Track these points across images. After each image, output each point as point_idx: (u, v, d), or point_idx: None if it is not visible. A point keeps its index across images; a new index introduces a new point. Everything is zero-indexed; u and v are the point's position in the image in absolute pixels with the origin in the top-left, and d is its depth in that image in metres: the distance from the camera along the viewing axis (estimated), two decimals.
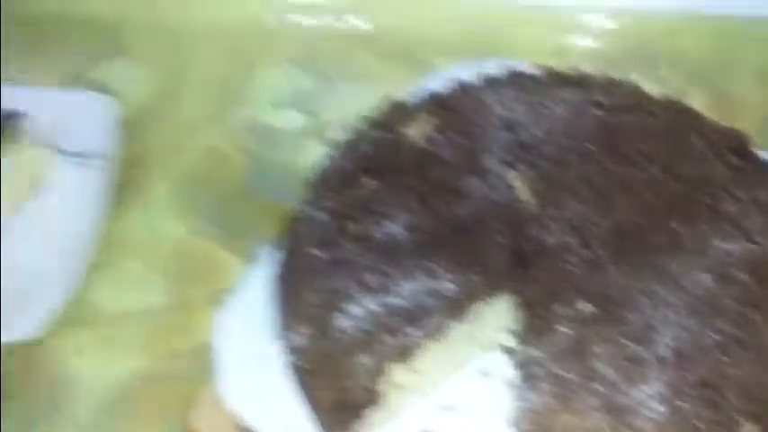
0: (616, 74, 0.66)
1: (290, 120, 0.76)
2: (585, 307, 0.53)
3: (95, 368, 0.63)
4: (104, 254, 0.68)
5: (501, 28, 0.79)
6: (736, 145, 0.61)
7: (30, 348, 0.63)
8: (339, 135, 0.66)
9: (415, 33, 0.79)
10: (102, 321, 0.65)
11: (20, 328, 0.63)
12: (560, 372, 0.52)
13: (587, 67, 0.70)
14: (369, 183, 0.60)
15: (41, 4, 0.85)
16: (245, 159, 0.74)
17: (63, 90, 0.78)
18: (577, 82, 0.65)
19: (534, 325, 0.54)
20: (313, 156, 0.70)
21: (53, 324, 0.64)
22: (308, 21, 0.82)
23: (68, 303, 0.65)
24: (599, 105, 0.62)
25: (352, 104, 0.74)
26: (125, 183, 0.71)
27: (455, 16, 0.80)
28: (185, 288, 0.66)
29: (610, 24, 0.79)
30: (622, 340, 0.51)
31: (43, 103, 0.74)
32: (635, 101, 0.63)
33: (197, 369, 0.61)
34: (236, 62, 0.80)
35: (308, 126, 0.75)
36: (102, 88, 0.79)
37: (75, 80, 0.80)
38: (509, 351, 0.58)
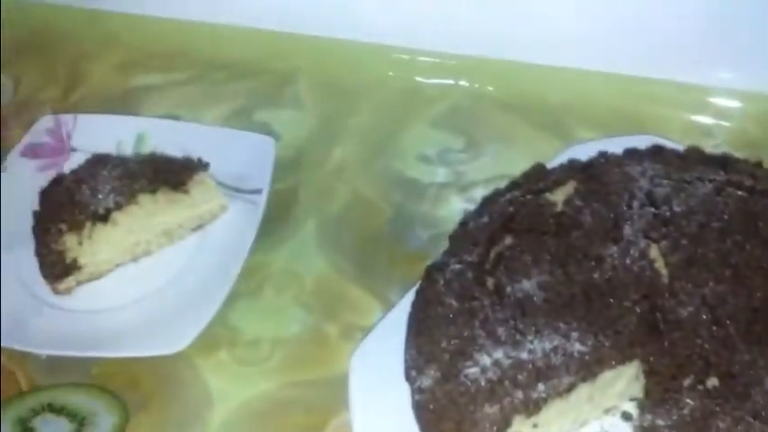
0: (761, 157, 0.67)
1: (435, 175, 0.78)
2: (712, 381, 0.53)
3: (229, 387, 0.66)
4: (250, 282, 0.71)
5: (645, 104, 0.80)
6: None
7: (169, 363, 0.67)
8: (483, 193, 0.70)
9: (563, 104, 0.81)
10: (240, 345, 0.69)
11: (161, 346, 0.67)
12: None
13: (730, 149, 0.72)
14: (509, 241, 0.63)
15: (227, 51, 0.93)
16: (388, 207, 0.76)
17: (227, 129, 0.83)
18: (721, 162, 0.66)
19: (659, 393, 0.54)
20: (454, 211, 0.74)
21: (194, 343, 0.67)
22: (461, 84, 0.86)
23: (211, 325, 0.68)
24: (742, 187, 0.63)
25: (497, 166, 0.77)
26: (276, 216, 0.75)
27: (600, 90, 0.81)
28: (322, 321, 0.69)
29: (754, 108, 0.79)
30: (746, 417, 0.52)
31: (208, 140, 0.80)
32: None
33: (326, 399, 0.64)
34: (389, 117, 0.84)
35: (451, 182, 0.77)
36: (265, 128, 0.84)
37: (241, 118, 0.85)
38: (628, 417, 0.59)
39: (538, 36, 0.81)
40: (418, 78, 0.87)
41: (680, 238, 0.60)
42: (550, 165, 0.69)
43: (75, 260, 0.73)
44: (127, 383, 0.66)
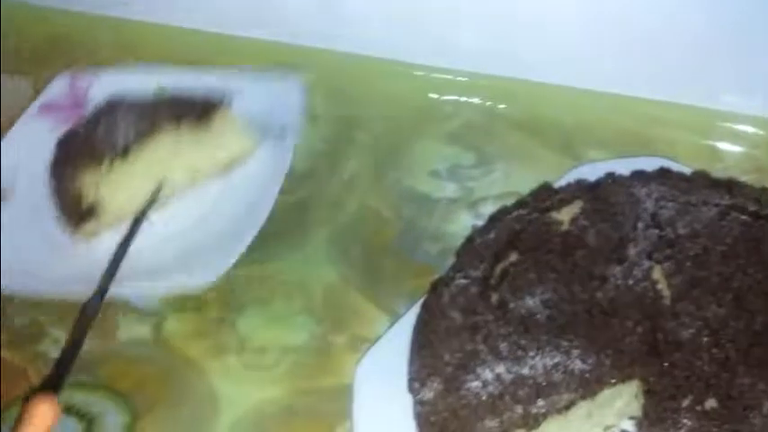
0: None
1: (444, 190, 0.79)
2: (710, 403, 0.54)
3: (237, 393, 0.67)
4: (260, 290, 0.72)
5: (654, 127, 0.81)
6: None
7: (177, 367, 0.69)
8: (491, 209, 0.70)
9: (573, 124, 0.82)
10: (248, 351, 0.70)
11: (191, 281, 0.67)
12: None
13: (738, 174, 0.72)
14: (514, 258, 0.64)
15: (244, 63, 0.91)
16: (398, 221, 0.77)
17: (252, 72, 0.81)
18: (727, 186, 0.66)
19: (657, 413, 0.55)
20: (462, 226, 0.75)
21: (203, 347, 0.69)
22: (473, 101, 0.87)
23: (220, 330, 0.70)
24: (746, 211, 0.63)
25: (506, 182, 0.78)
26: (287, 226, 0.75)
27: (610, 111, 0.82)
28: (329, 331, 0.70)
29: (764, 133, 0.79)
30: None
31: (233, 85, 0.77)
32: None
33: (331, 408, 0.65)
34: (401, 132, 0.85)
35: (460, 198, 0.78)
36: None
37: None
38: None
39: (550, 56, 0.82)
40: (431, 95, 0.88)
41: (683, 260, 0.61)
42: (558, 184, 0.70)
43: (94, 202, 0.70)
44: (134, 385, 0.67)
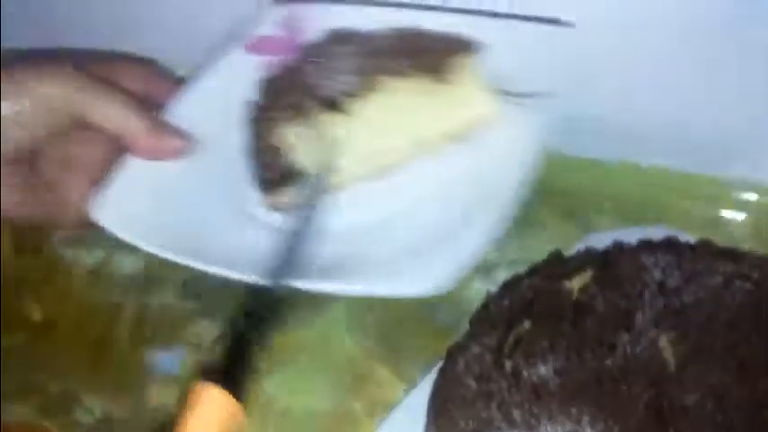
0: None
1: None
2: None
3: None
4: (284, 354, 0.75)
5: (660, 195, 0.83)
6: None
7: None
8: (505, 275, 0.73)
9: (583, 193, 0.85)
10: (272, 415, 0.72)
11: (418, 284, 0.56)
12: None
13: (742, 241, 0.75)
14: (527, 326, 0.66)
15: None
16: None
17: (512, 21, 0.65)
18: (731, 255, 0.68)
19: None
20: (476, 291, 0.78)
21: None
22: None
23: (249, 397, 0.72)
24: (749, 280, 0.65)
25: (519, 249, 0.81)
26: (307, 298, 0.76)
27: (618, 180, 0.85)
28: (349, 397, 0.73)
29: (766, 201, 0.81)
30: None
31: (487, 33, 0.62)
32: None
33: None
34: None
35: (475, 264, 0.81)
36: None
37: None
38: None
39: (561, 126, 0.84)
40: None
41: (688, 328, 0.63)
42: (569, 252, 0.73)
43: (295, 162, 0.57)
44: None
